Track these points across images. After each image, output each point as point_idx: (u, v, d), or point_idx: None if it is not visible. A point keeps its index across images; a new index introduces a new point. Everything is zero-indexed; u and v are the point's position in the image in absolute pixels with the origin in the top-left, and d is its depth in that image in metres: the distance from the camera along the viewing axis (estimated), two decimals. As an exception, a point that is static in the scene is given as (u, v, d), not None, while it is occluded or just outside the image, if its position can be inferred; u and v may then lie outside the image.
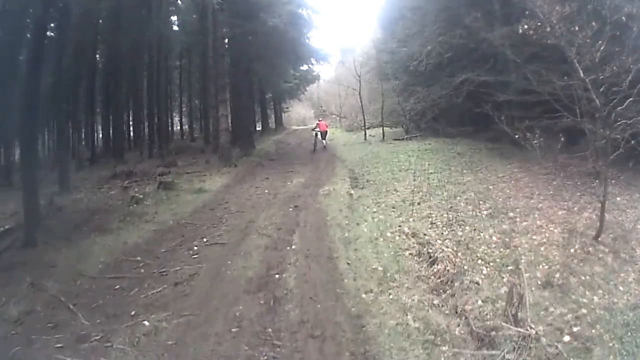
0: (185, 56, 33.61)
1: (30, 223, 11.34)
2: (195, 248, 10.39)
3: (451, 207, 12.36)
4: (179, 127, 38.05)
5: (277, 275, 8.71)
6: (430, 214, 12.05)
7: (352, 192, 14.58)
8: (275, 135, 33.62)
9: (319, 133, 25.49)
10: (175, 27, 31.62)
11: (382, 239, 10.42)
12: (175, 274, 9.06)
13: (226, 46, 24.36)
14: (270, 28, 21.07)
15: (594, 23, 10.39)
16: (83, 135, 27.05)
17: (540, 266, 9.13)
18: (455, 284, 8.31)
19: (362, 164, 18.94)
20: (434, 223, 11.41)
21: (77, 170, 20.91)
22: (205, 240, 10.85)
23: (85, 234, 11.52)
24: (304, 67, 36.26)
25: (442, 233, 10.72)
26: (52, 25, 19.67)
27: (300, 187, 15.84)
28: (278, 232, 11.03)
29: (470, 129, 22.10)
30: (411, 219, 11.72)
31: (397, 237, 10.52)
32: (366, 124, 28.08)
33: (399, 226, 11.19)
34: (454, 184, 14.53)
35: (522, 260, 9.26)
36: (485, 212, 11.88)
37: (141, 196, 14.89)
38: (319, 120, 26.78)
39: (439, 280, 8.41)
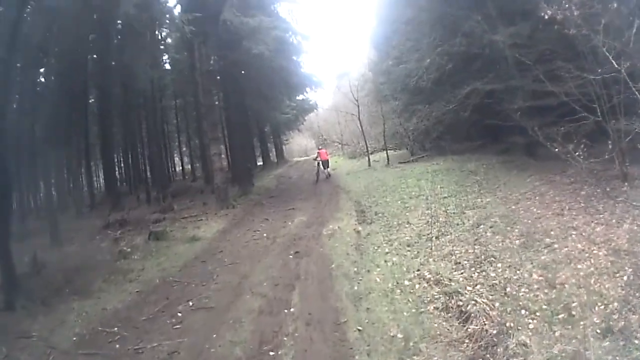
0: (180, 95, 32.60)
1: (8, 287, 10.00)
2: (179, 315, 8.44)
3: (476, 240, 10.15)
4: (181, 168, 37.10)
5: (271, 353, 6.68)
6: (452, 250, 9.78)
7: (360, 228, 12.57)
8: (277, 169, 32.18)
9: (320, 162, 24.08)
10: (167, 67, 30.39)
11: (399, 291, 8.29)
12: (152, 351, 7.17)
13: (218, 80, 23.47)
14: (255, 57, 19.41)
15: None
16: (84, 181, 26.11)
17: (596, 308, 6.95)
18: (499, 350, 6.14)
19: (369, 194, 16.94)
20: (459, 262, 9.16)
21: (76, 218, 19.70)
22: (191, 303, 8.90)
23: (66, 297, 9.84)
24: (300, 97, 34.75)
25: (471, 276, 8.46)
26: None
27: (301, 227, 13.83)
28: (274, 290, 9.01)
29: (478, 143, 20.45)
30: (431, 259, 9.53)
31: (417, 286, 8.37)
32: (369, 149, 26.69)
33: (418, 270, 9.04)
34: (473, 208, 12.39)
35: (574, 304, 7.14)
36: (517, 242, 9.57)
37: (129, 250, 13.19)
38: (319, 149, 25.85)
39: (476, 346, 6.30)
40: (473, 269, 8.73)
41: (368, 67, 30.48)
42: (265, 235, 13.51)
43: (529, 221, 10.62)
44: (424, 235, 10.96)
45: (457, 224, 11.30)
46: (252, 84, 23.58)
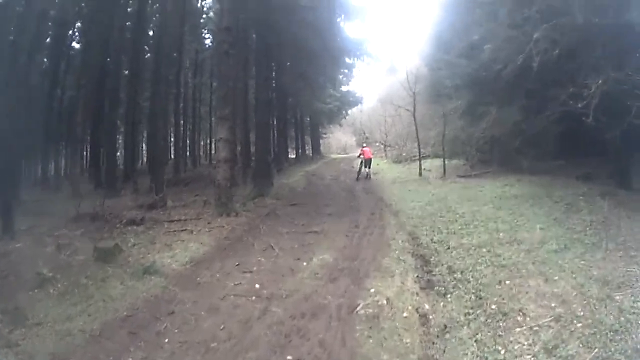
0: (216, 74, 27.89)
1: None
2: None
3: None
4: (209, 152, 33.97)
5: None
6: None
7: (426, 307, 5.92)
8: (310, 165, 26.50)
9: (363, 161, 20.74)
10: (208, 42, 27.76)
11: None
12: None
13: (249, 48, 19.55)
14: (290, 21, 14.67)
15: None
16: (88, 159, 23.67)
17: None
18: None
19: (431, 223, 10.21)
20: None
21: (71, 198, 15.39)
22: None
23: None
24: (345, 88, 30.48)
25: None
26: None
27: (322, 280, 7.17)
28: None
29: (559, 162, 14.44)
30: None
31: None
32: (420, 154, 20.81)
33: None
34: (618, 287, 5.54)
35: None
36: None
37: (51, 275, 7.47)
38: (363, 147, 22.23)
39: None
40: None
41: (424, 62, 24.46)
42: (257, 286, 7.05)
43: None
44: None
45: (617, 332, 4.50)
46: (285, 55, 18.88)
